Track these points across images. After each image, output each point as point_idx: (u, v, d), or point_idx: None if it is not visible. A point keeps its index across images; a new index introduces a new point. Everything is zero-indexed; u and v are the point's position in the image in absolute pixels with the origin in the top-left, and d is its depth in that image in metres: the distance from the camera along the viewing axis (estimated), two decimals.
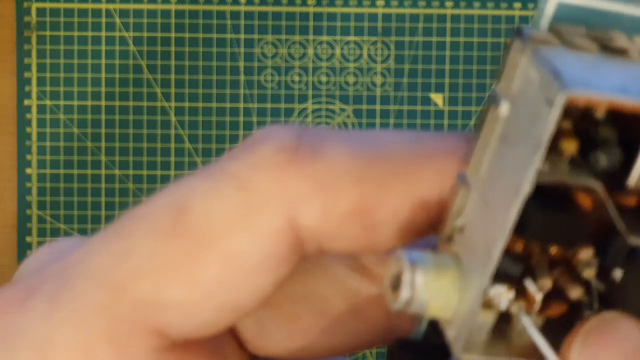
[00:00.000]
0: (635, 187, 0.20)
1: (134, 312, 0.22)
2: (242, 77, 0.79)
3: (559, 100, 0.19)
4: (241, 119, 0.79)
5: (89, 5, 0.78)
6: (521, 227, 0.20)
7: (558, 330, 0.21)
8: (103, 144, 0.78)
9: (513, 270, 0.21)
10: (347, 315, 0.24)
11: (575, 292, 0.21)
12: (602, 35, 0.20)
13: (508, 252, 0.21)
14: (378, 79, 0.79)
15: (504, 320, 0.21)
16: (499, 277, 0.21)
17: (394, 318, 0.24)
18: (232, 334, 0.25)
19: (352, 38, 0.79)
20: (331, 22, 0.79)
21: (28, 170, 0.78)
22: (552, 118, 0.19)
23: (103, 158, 0.79)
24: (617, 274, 0.21)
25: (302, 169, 0.22)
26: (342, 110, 0.79)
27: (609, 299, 0.21)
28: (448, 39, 0.78)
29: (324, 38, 0.79)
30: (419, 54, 0.78)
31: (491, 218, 0.20)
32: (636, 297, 0.21)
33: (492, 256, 0.20)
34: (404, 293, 0.21)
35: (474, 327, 0.21)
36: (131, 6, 0.78)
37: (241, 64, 0.79)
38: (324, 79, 0.79)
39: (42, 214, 0.79)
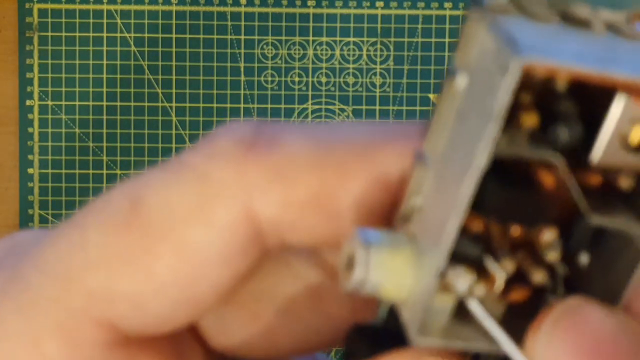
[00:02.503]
0: (598, 164, 0.19)
1: (85, 304, 0.22)
2: (242, 78, 0.79)
3: (514, 67, 0.18)
4: (242, 119, 0.79)
5: (91, 6, 0.78)
6: (479, 205, 0.19)
7: (521, 317, 0.20)
8: (104, 144, 0.79)
9: (471, 250, 0.20)
10: (311, 312, 0.24)
11: (538, 276, 0.20)
12: (563, 6, 0.20)
13: (467, 233, 0.20)
14: (377, 80, 0.79)
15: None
16: (457, 258, 0.20)
17: (358, 315, 0.24)
18: (193, 332, 0.24)
19: (351, 39, 0.79)
20: (331, 23, 0.79)
21: (30, 170, 0.79)
22: (506, 86, 0.18)
23: (104, 158, 0.79)
24: (583, 257, 0.20)
25: (260, 159, 0.21)
26: (342, 110, 0.79)
27: (573, 283, 0.21)
28: (447, 39, 0.79)
29: (324, 39, 0.79)
30: (418, 55, 0.79)
31: (447, 195, 0.19)
32: (601, 280, 0.20)
33: (446, 234, 0.19)
34: (357, 273, 0.20)
35: (431, 310, 0.20)
36: (132, 7, 0.78)
37: (241, 64, 0.79)
38: (323, 79, 0.79)
39: (44, 213, 0.79)
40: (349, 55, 0.79)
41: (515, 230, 0.20)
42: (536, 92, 0.19)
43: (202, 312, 0.23)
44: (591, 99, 0.19)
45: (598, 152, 0.19)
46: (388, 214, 0.22)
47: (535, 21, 0.19)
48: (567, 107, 0.19)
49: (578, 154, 0.19)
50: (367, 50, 0.79)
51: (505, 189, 0.19)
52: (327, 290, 0.24)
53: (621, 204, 0.20)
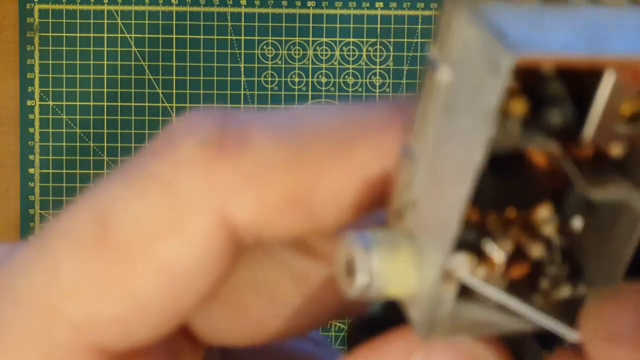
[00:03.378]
0: (591, 140, 0.19)
1: (72, 335, 0.21)
2: (242, 78, 0.79)
3: (506, 66, 0.17)
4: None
5: (91, 7, 0.79)
6: (475, 197, 0.19)
7: (522, 291, 0.20)
8: (105, 144, 0.79)
9: (468, 236, 0.20)
10: (298, 298, 0.23)
11: (537, 251, 0.20)
12: None
13: (464, 222, 0.19)
14: (377, 80, 0.79)
15: (467, 291, 0.20)
16: (456, 245, 0.19)
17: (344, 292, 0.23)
18: (184, 330, 0.24)
19: (351, 39, 0.79)
20: (330, 23, 0.79)
21: (31, 170, 0.79)
22: (499, 85, 0.17)
23: (105, 158, 0.79)
24: (577, 222, 0.20)
25: (229, 162, 0.20)
26: None
27: (570, 251, 0.20)
28: None
29: (324, 39, 0.79)
30: (418, 55, 0.79)
31: (444, 192, 0.19)
32: (599, 247, 0.20)
33: (449, 232, 0.19)
34: (361, 279, 0.19)
35: (437, 303, 0.20)
36: (133, 8, 0.79)
37: (242, 65, 0.79)
38: (323, 80, 0.79)
39: (45, 213, 0.79)
40: (348, 55, 0.79)
41: (511, 212, 0.20)
42: (523, 76, 0.19)
43: (189, 317, 0.22)
44: (578, 76, 0.19)
45: (590, 129, 0.19)
46: (369, 206, 0.21)
47: (515, 4, 0.18)
48: (556, 88, 0.19)
49: (569, 129, 0.19)
50: (367, 50, 0.79)
51: (500, 180, 0.19)
52: (309, 271, 0.23)
53: (614, 172, 0.19)
